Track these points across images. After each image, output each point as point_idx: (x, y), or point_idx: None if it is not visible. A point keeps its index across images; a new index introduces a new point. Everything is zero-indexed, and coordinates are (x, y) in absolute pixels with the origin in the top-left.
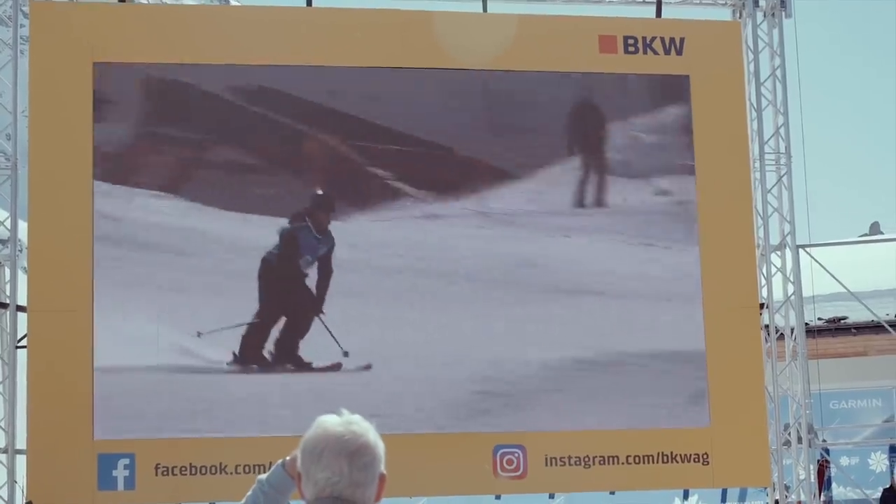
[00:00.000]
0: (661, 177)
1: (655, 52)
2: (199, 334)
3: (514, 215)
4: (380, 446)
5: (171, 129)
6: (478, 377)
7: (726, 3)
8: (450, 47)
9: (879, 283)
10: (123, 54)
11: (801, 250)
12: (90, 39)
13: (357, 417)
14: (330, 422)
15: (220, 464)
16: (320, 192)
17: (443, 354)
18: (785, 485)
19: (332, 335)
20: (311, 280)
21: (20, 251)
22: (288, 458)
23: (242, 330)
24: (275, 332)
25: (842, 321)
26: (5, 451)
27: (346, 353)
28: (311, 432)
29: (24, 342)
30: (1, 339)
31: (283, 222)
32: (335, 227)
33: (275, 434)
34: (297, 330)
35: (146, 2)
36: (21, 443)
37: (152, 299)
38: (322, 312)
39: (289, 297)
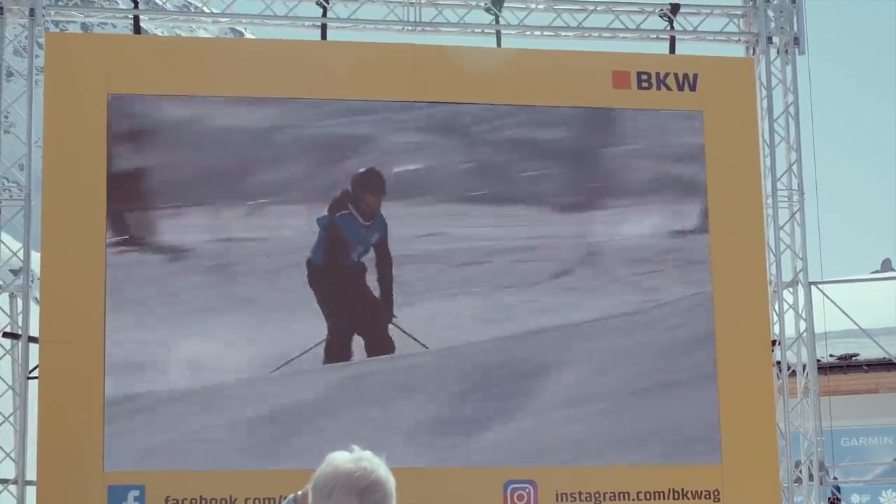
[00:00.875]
0: (672, 209)
1: (669, 88)
2: (277, 369)
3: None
4: (391, 482)
5: (185, 160)
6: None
7: (740, 40)
8: (463, 82)
9: (891, 321)
10: (138, 86)
11: (813, 287)
12: (105, 70)
13: (368, 454)
14: (340, 458)
15: (231, 496)
16: (363, 170)
17: None
18: None
19: (410, 336)
20: (372, 276)
21: (32, 282)
22: (300, 492)
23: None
24: (358, 352)
25: (853, 358)
26: (15, 482)
27: (426, 347)
28: (321, 469)
29: (35, 373)
30: (12, 370)
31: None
32: None
33: (286, 467)
34: (383, 350)
35: (161, 34)
36: (31, 474)
37: (166, 331)
38: (394, 316)
39: (355, 307)
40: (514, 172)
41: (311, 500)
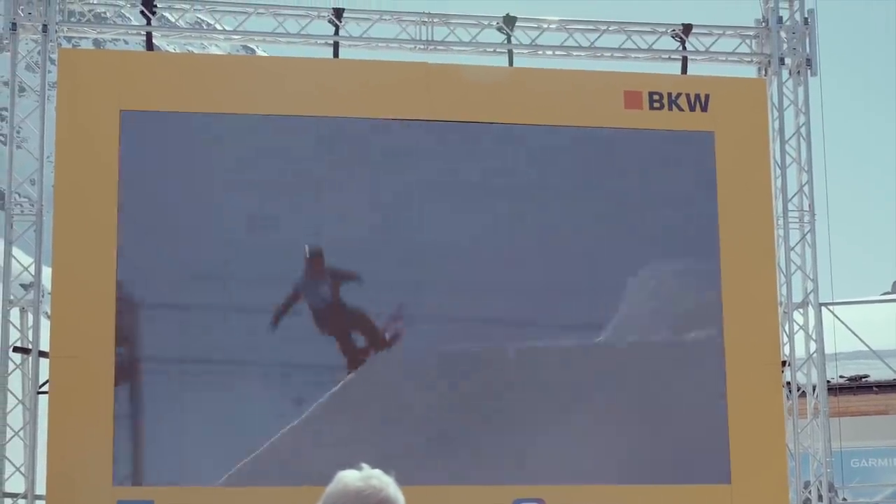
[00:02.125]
0: (683, 232)
1: (680, 109)
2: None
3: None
4: (400, 500)
5: (196, 178)
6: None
7: (752, 61)
8: (476, 101)
9: None
10: (150, 102)
11: (823, 308)
12: (117, 87)
13: (377, 472)
14: (350, 477)
15: None
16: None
17: None
18: None
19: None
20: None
21: (43, 297)
22: None
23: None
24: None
25: (863, 379)
26: (24, 496)
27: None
28: (331, 488)
29: (45, 388)
30: (22, 385)
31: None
32: None
33: (296, 484)
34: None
35: (174, 51)
36: (41, 488)
37: (177, 346)
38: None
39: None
40: None
41: None
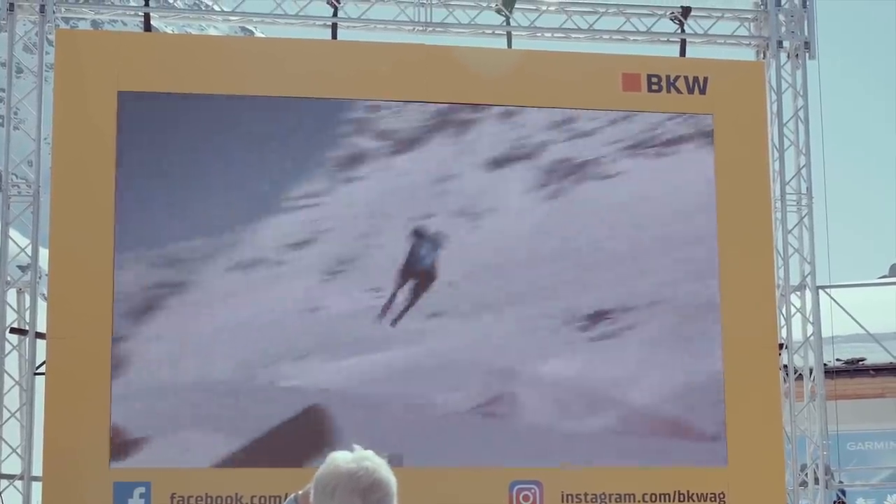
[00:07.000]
0: (680, 213)
1: (679, 91)
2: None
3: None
4: (392, 482)
5: (195, 159)
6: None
7: (750, 44)
8: (473, 83)
9: None
10: (148, 84)
11: (820, 291)
12: (115, 68)
13: (369, 453)
14: (342, 458)
15: (237, 494)
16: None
17: None
18: None
19: None
20: None
21: (40, 278)
22: (300, 491)
23: None
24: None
25: (860, 362)
26: (21, 477)
27: None
28: (323, 469)
29: (42, 369)
30: (19, 366)
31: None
32: None
33: (292, 466)
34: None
35: (172, 32)
36: (37, 470)
37: (173, 328)
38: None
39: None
40: None
41: (313, 500)
